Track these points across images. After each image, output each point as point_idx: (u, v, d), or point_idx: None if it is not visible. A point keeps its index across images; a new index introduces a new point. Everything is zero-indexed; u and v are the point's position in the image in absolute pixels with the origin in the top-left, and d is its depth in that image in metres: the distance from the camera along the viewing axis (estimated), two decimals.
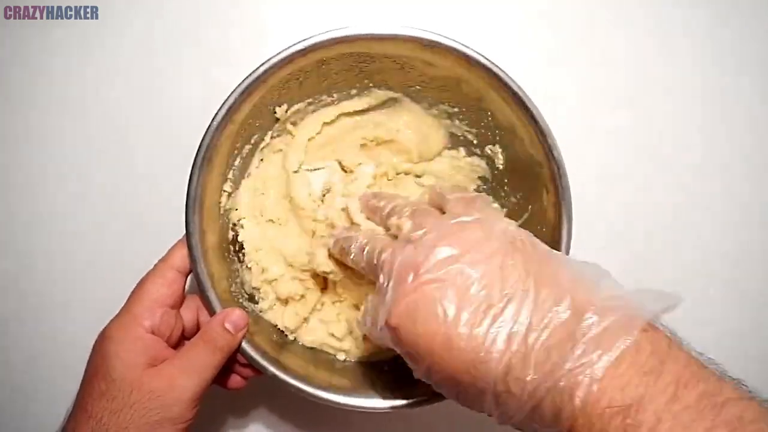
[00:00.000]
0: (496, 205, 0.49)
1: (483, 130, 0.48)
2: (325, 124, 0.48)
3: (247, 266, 0.47)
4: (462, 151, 0.50)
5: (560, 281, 0.29)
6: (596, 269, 0.30)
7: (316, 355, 0.47)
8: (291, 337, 0.47)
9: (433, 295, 0.29)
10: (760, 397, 0.25)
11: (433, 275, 0.30)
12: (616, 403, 0.25)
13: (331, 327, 0.47)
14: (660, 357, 0.26)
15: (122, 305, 0.40)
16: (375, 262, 0.35)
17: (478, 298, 0.28)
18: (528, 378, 0.27)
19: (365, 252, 0.36)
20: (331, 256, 0.43)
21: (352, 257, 0.38)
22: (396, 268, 0.31)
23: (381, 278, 0.33)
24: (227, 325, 0.40)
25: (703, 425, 0.23)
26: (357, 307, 0.47)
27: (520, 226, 0.46)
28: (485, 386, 0.28)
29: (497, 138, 0.47)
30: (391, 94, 0.48)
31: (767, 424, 0.23)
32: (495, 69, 0.41)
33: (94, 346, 0.39)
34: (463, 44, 0.41)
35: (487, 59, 0.42)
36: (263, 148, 0.47)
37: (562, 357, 0.26)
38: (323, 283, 0.48)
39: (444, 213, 0.35)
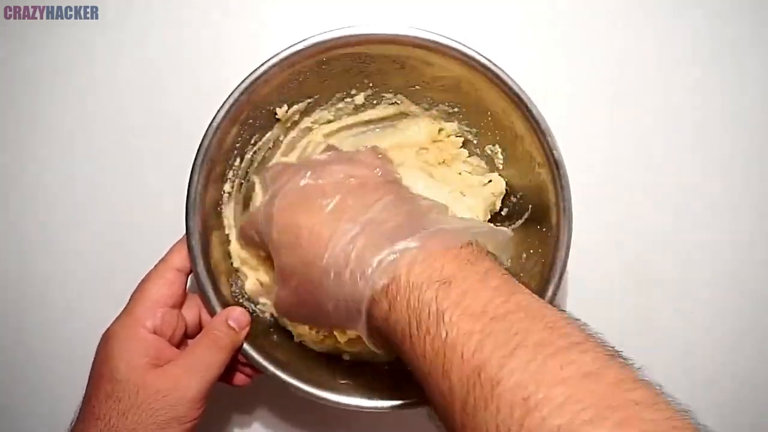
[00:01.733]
0: None
1: (483, 130, 0.48)
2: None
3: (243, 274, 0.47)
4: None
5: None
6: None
7: (317, 354, 0.47)
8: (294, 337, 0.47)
9: (308, 199, 0.37)
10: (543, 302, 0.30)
11: (312, 180, 0.38)
12: (434, 278, 0.30)
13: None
14: (478, 257, 0.32)
15: (123, 306, 0.40)
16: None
17: (343, 212, 0.36)
18: (365, 256, 0.33)
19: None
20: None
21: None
22: (281, 179, 0.40)
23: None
24: (231, 323, 0.40)
25: (498, 300, 0.28)
26: None
27: (521, 225, 0.47)
28: (324, 274, 0.34)
29: (497, 138, 0.47)
30: (400, 108, 0.49)
31: (547, 308, 0.29)
32: (495, 69, 0.41)
33: (98, 349, 0.39)
34: (463, 44, 0.41)
35: (487, 59, 0.42)
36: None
37: (395, 242, 0.32)
38: None
39: None
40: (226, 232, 0.46)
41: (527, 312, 0.28)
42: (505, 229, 0.39)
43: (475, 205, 0.47)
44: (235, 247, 0.46)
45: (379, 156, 0.43)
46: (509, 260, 0.45)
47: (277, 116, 0.46)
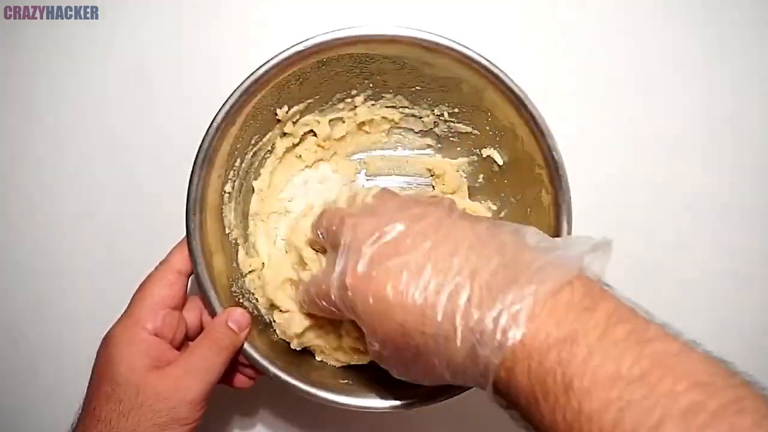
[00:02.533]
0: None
1: (483, 130, 0.48)
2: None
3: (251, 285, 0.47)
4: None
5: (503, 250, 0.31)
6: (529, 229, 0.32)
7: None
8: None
9: (388, 259, 0.32)
10: (683, 338, 0.26)
11: (387, 240, 0.32)
12: (552, 338, 0.26)
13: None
14: (593, 298, 0.27)
15: (124, 308, 0.40)
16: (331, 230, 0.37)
17: (427, 267, 0.30)
18: (474, 316, 0.28)
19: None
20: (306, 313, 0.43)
21: (307, 307, 0.40)
22: (352, 239, 0.34)
23: (338, 247, 0.34)
24: (231, 324, 0.40)
25: (630, 357, 0.25)
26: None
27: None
28: (431, 340, 0.30)
29: (497, 138, 0.47)
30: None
31: (688, 356, 0.25)
32: (495, 69, 0.42)
33: (98, 350, 0.39)
34: (463, 45, 0.41)
35: (487, 59, 0.42)
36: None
37: (503, 293, 0.28)
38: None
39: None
40: (227, 232, 0.46)
41: (666, 369, 0.24)
42: (605, 238, 0.33)
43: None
44: (241, 254, 0.47)
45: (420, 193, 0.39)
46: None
47: (277, 117, 0.46)
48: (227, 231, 0.46)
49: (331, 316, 0.37)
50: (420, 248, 0.31)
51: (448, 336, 0.29)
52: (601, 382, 0.24)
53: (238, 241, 0.47)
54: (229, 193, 0.45)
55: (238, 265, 0.46)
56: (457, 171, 0.51)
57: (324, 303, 0.36)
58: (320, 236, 0.38)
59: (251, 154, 0.46)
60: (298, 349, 0.45)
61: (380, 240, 0.32)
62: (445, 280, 0.29)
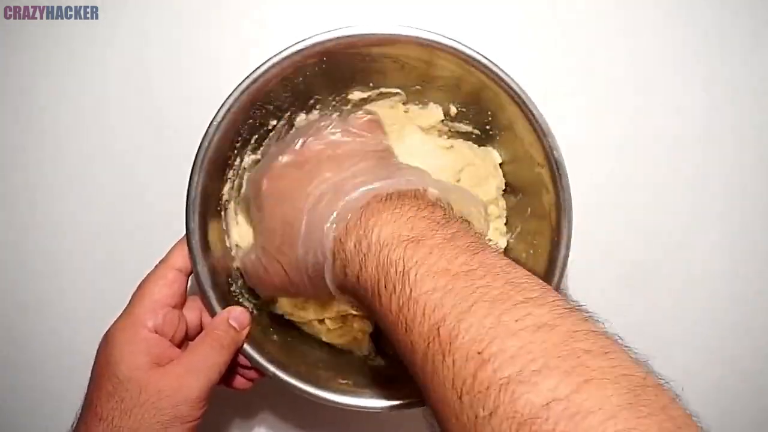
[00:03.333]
0: None
1: (483, 130, 0.48)
2: None
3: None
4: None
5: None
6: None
7: (317, 354, 0.47)
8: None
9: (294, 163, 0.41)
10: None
11: (295, 154, 0.41)
12: (404, 237, 0.31)
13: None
14: (450, 218, 0.33)
15: (124, 307, 0.40)
16: None
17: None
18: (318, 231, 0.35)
19: None
20: None
21: None
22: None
23: None
24: (232, 323, 0.40)
25: (463, 259, 0.29)
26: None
27: (520, 227, 0.47)
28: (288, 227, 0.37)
29: (497, 138, 0.47)
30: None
31: (512, 268, 0.29)
32: (495, 69, 0.41)
33: (98, 349, 0.39)
34: (463, 44, 0.41)
35: (488, 59, 0.42)
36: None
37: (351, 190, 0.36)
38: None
39: None
40: (227, 231, 0.46)
41: (490, 269, 0.28)
42: (477, 195, 0.41)
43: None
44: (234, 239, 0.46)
45: (372, 124, 0.44)
46: (487, 232, 0.45)
47: (277, 116, 0.46)
48: (227, 231, 0.46)
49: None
50: (315, 164, 0.40)
51: (312, 222, 0.36)
52: (433, 273, 0.28)
53: (239, 244, 0.47)
54: (229, 192, 0.45)
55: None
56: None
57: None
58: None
59: (251, 153, 0.46)
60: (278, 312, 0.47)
61: (287, 156, 0.41)
62: (326, 186, 0.37)
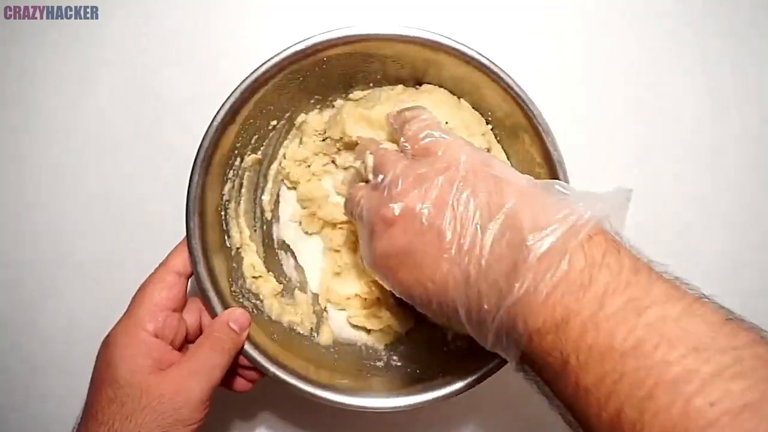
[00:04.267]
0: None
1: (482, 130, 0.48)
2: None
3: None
4: None
5: (514, 210, 0.30)
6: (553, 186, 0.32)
7: (317, 354, 0.47)
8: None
9: (402, 246, 0.32)
10: (690, 295, 0.26)
11: (401, 228, 0.32)
12: (548, 323, 0.27)
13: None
14: (591, 269, 0.27)
15: (124, 310, 0.40)
16: (353, 212, 0.37)
17: (441, 240, 0.30)
18: (484, 307, 0.29)
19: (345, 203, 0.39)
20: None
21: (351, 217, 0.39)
22: (366, 219, 0.34)
23: (359, 227, 0.36)
24: (232, 325, 0.40)
25: (625, 329, 0.25)
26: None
27: None
28: (456, 311, 0.30)
29: (497, 137, 0.47)
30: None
31: (687, 320, 0.24)
32: (495, 69, 0.41)
33: (99, 353, 0.39)
34: (463, 44, 0.41)
35: (488, 59, 0.42)
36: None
37: (508, 285, 0.28)
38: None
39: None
40: (227, 231, 0.46)
41: (661, 336, 0.24)
42: (622, 189, 0.34)
43: None
44: (236, 239, 0.47)
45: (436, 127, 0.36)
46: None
47: (277, 116, 0.46)
48: (227, 231, 0.46)
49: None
50: (430, 230, 0.31)
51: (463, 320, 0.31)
52: (596, 356, 0.25)
53: (242, 248, 0.47)
54: (229, 193, 0.45)
55: (238, 266, 0.46)
56: None
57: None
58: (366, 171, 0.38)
59: (251, 153, 0.46)
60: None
61: (392, 229, 0.33)
62: (459, 259, 0.30)
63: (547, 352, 0.27)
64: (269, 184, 0.49)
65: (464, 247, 0.30)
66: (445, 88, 0.46)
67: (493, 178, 0.31)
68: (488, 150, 0.46)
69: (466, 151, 0.33)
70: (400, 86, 0.47)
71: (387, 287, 0.35)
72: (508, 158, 0.47)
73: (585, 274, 0.27)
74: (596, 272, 0.27)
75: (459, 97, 0.46)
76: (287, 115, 0.47)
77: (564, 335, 0.26)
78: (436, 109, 0.44)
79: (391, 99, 0.45)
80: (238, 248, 0.47)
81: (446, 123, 0.44)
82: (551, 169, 0.42)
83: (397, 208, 0.32)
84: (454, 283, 0.30)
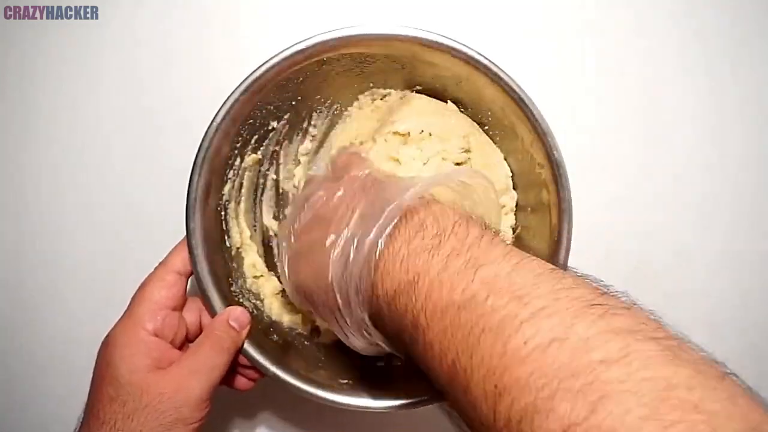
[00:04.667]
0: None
1: (483, 130, 0.48)
2: None
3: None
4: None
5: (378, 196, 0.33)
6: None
7: (317, 354, 0.47)
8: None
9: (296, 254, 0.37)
10: (530, 256, 0.28)
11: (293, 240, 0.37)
12: (403, 283, 0.29)
13: None
14: (441, 236, 0.30)
15: (124, 310, 0.40)
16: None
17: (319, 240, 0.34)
18: (354, 287, 0.31)
19: None
20: None
21: None
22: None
23: None
24: (232, 323, 0.40)
25: (462, 284, 0.27)
26: None
27: (521, 226, 0.47)
28: (330, 295, 0.33)
29: (497, 137, 0.47)
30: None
31: (517, 273, 0.26)
32: (495, 69, 0.41)
33: (99, 353, 0.39)
34: (463, 44, 0.41)
35: (488, 59, 0.42)
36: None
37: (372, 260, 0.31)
38: None
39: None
40: (227, 231, 0.46)
41: (492, 288, 0.26)
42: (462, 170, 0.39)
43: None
44: (236, 239, 0.46)
45: (352, 158, 0.40)
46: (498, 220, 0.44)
47: (277, 117, 0.46)
48: (227, 230, 0.46)
49: None
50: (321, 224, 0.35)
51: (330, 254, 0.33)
52: (438, 312, 0.27)
53: (242, 248, 0.47)
54: (229, 193, 0.45)
55: (238, 266, 0.46)
56: None
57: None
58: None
59: (251, 153, 0.46)
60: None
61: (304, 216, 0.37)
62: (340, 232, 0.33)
63: (401, 315, 0.29)
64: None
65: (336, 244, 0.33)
66: (445, 88, 0.46)
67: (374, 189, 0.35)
68: (467, 151, 0.46)
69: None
70: (379, 101, 0.48)
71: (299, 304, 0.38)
72: (506, 158, 0.47)
73: (435, 240, 0.30)
74: (444, 239, 0.30)
75: (447, 101, 0.47)
76: (287, 115, 0.47)
77: (414, 294, 0.28)
78: (418, 117, 0.46)
79: (361, 119, 0.47)
80: (238, 248, 0.47)
81: (421, 131, 0.46)
82: (551, 169, 0.42)
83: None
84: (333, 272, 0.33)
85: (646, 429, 0.19)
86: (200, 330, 0.42)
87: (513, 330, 0.24)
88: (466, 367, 0.25)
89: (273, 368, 0.42)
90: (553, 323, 0.23)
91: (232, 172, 0.45)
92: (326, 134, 0.50)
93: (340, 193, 0.36)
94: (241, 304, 0.44)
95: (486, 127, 0.47)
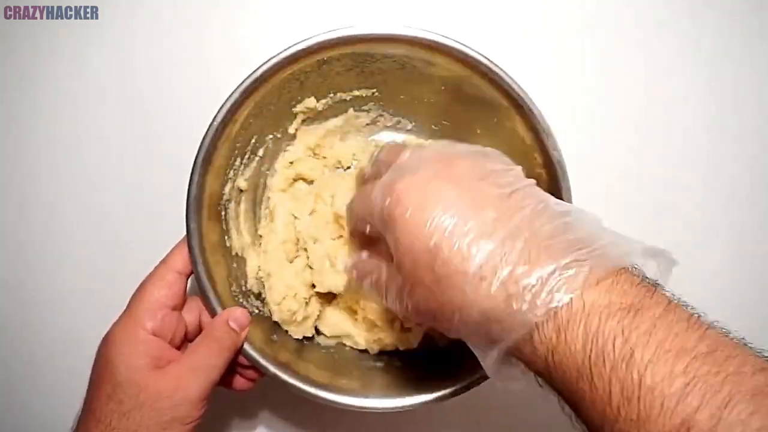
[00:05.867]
0: None
1: (483, 130, 0.48)
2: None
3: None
4: None
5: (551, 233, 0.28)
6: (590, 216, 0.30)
7: (317, 355, 0.47)
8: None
9: (434, 190, 0.29)
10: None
11: (445, 171, 0.30)
12: (615, 306, 0.25)
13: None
14: (649, 286, 0.27)
15: (124, 308, 0.40)
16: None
17: (468, 218, 0.28)
18: (519, 270, 0.26)
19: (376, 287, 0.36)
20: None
21: (366, 292, 0.37)
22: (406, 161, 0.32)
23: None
24: (231, 324, 0.40)
25: (695, 335, 0.24)
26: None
27: None
28: (460, 275, 0.28)
29: (497, 136, 0.47)
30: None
31: (743, 346, 0.24)
32: (495, 68, 0.41)
33: (98, 351, 0.39)
34: (464, 44, 0.41)
35: (488, 59, 0.42)
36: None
37: (558, 257, 0.26)
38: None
39: None
40: (227, 231, 0.46)
41: (731, 351, 0.23)
42: (669, 252, 0.32)
43: None
44: (236, 242, 0.46)
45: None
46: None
47: (277, 115, 0.46)
48: (227, 230, 0.46)
49: (362, 231, 0.36)
50: (479, 193, 0.29)
51: (483, 277, 0.27)
52: (665, 353, 0.23)
53: (242, 248, 0.47)
54: (229, 193, 0.45)
55: (238, 266, 0.46)
56: None
57: (363, 215, 0.35)
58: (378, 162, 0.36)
59: (251, 153, 0.46)
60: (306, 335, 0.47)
61: (433, 169, 0.31)
62: (501, 230, 0.27)
63: (604, 340, 0.25)
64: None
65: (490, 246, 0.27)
66: (445, 88, 0.46)
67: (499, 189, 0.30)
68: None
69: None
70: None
71: (382, 215, 0.31)
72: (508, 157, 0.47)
73: (645, 286, 0.27)
74: (655, 288, 0.27)
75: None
76: (287, 115, 0.47)
77: (631, 324, 0.24)
78: None
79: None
80: (238, 248, 0.47)
81: None
82: (551, 169, 0.42)
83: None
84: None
85: None
86: (200, 329, 0.42)
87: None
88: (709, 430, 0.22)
89: (273, 369, 0.42)
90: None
91: (232, 172, 0.45)
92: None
93: (497, 171, 0.30)
94: (241, 305, 0.44)
95: (479, 131, 0.47)
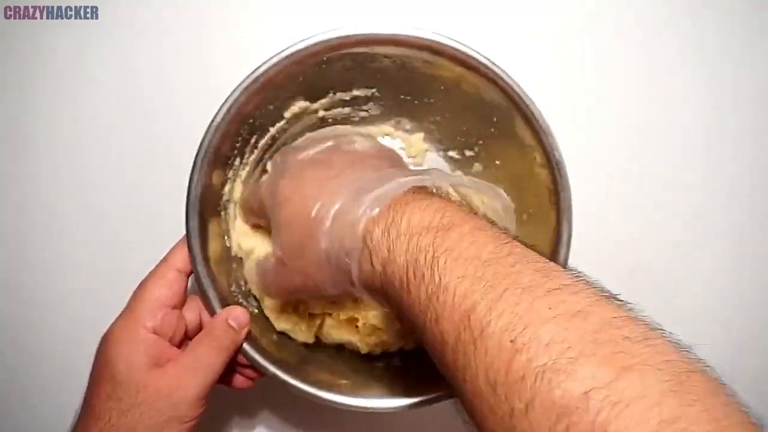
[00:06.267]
0: None
1: (483, 130, 0.48)
2: None
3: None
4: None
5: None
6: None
7: (317, 354, 0.47)
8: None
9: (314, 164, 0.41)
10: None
11: (318, 155, 0.42)
12: (434, 225, 0.30)
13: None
14: (478, 214, 0.33)
15: (124, 307, 0.40)
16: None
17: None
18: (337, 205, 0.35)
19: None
20: None
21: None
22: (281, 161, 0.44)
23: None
24: (231, 322, 0.40)
25: (492, 246, 0.28)
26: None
27: (521, 226, 0.47)
28: (308, 227, 0.36)
29: (497, 138, 0.47)
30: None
31: (538, 256, 0.28)
32: (495, 68, 0.41)
33: (98, 349, 0.39)
34: (463, 44, 0.41)
35: (488, 59, 0.42)
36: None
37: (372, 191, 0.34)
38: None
39: None
40: (227, 231, 0.46)
41: (520, 258, 0.27)
42: (506, 197, 0.41)
43: None
44: (236, 240, 0.46)
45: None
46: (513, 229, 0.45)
47: (277, 115, 0.46)
48: (227, 230, 0.46)
49: (262, 218, 0.43)
50: (339, 167, 0.38)
51: (322, 221, 0.35)
52: (463, 260, 0.27)
53: (242, 246, 0.47)
54: (229, 193, 0.45)
55: (238, 265, 0.46)
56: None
57: (255, 204, 0.43)
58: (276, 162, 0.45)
59: (251, 153, 0.46)
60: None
61: (307, 154, 0.42)
62: (347, 183, 0.36)
63: (419, 251, 0.29)
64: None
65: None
66: (445, 88, 0.46)
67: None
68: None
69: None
70: None
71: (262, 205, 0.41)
72: (508, 159, 0.47)
73: (473, 209, 0.34)
74: (480, 214, 0.33)
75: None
76: (287, 115, 0.47)
77: (441, 239, 0.29)
78: None
79: None
80: (238, 248, 0.47)
81: None
82: (551, 169, 0.42)
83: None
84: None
85: (666, 403, 0.20)
86: (200, 328, 0.42)
87: (538, 295, 0.25)
88: (483, 317, 0.25)
89: (273, 368, 0.42)
90: (578, 299, 0.24)
91: (232, 172, 0.45)
92: None
93: (371, 151, 0.41)
94: (240, 304, 0.44)
95: (479, 131, 0.47)
